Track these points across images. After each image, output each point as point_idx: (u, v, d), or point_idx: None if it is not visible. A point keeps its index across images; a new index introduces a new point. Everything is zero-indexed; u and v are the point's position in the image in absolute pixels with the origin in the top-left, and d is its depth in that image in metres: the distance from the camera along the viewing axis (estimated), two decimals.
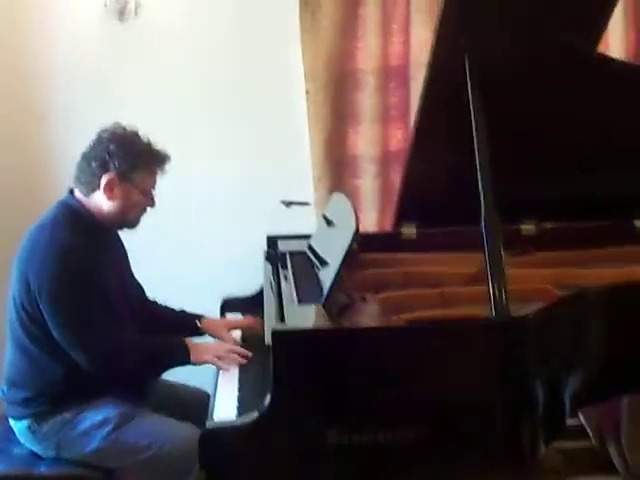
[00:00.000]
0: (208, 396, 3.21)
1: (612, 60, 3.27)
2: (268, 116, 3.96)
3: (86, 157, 3.06)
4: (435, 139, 3.18)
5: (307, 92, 3.83)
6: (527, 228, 3.66)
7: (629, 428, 4.04)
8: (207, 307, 3.51)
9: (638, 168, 3.46)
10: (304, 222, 3.84)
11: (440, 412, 2.47)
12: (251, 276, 3.72)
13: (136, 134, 3.10)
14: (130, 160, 3.02)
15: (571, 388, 2.72)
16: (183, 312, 3.43)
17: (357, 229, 2.76)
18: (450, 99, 2.94)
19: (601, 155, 3.37)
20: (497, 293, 2.55)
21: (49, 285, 2.90)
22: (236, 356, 3.06)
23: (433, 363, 2.48)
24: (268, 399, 2.40)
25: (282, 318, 2.74)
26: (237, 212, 4.00)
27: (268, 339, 2.52)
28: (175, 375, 3.31)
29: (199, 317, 3.40)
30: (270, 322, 2.79)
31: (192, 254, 4.01)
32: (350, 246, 2.75)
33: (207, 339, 3.33)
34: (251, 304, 3.61)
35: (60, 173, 3.81)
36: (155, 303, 3.43)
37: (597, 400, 3.15)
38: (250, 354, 3.07)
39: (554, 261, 3.41)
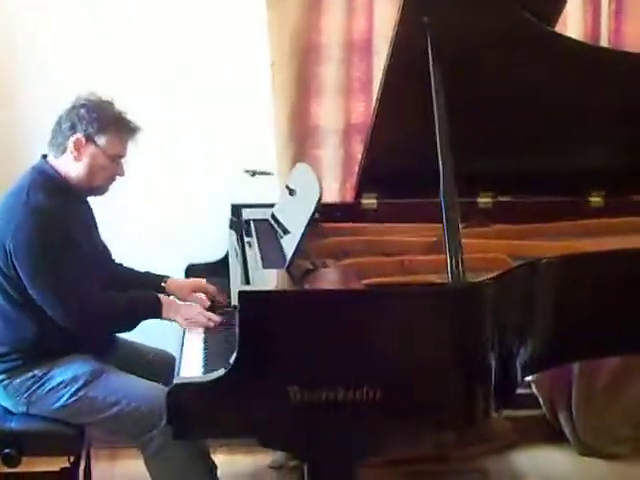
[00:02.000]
0: (171, 357, 3.35)
1: (568, 39, 3.38)
2: (233, 87, 3.99)
3: (59, 120, 3.17)
4: (397, 113, 3.27)
5: (272, 64, 3.89)
6: (483, 201, 3.77)
7: (579, 398, 4.18)
8: (172, 273, 3.59)
9: (592, 146, 3.58)
10: (267, 191, 3.93)
11: (396, 373, 2.59)
12: (215, 243, 3.81)
13: (110, 103, 3.20)
14: (97, 123, 3.12)
15: (523, 355, 2.85)
16: (148, 273, 3.53)
17: (320, 198, 2.87)
18: (412, 74, 3.04)
19: (557, 132, 3.48)
20: (453, 261, 2.66)
21: (25, 245, 3.00)
22: (204, 320, 3.16)
23: (390, 327, 2.58)
24: (234, 357, 2.50)
25: (248, 282, 2.84)
26: (202, 181, 4.06)
27: (235, 300, 2.63)
28: (138, 336, 3.41)
29: (164, 278, 3.50)
30: (236, 285, 2.88)
31: (158, 221, 4.06)
32: (313, 214, 2.85)
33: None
34: (215, 269, 3.71)
35: (27, 146, 3.89)
36: (121, 265, 3.53)
37: (546, 367, 3.28)
38: (218, 319, 3.18)
39: (509, 233, 3.53)
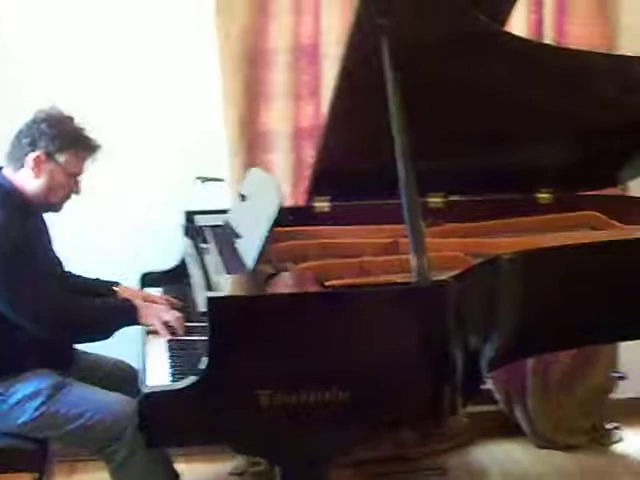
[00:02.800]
0: (129, 366, 3.36)
1: (519, 38, 3.41)
2: (183, 94, 4.00)
3: (19, 134, 3.14)
4: (350, 115, 3.28)
5: (221, 70, 3.89)
6: (434, 201, 3.80)
7: (535, 391, 4.24)
8: (126, 282, 3.59)
9: (540, 143, 3.64)
10: (219, 198, 3.92)
11: (364, 374, 2.62)
12: (169, 250, 3.80)
13: (71, 118, 3.18)
14: (58, 140, 3.09)
15: (487, 351, 2.89)
16: (98, 280, 3.52)
17: (281, 203, 2.88)
18: (367, 77, 3.05)
19: (506, 131, 3.52)
20: (419, 260, 2.68)
21: None
22: (180, 324, 3.13)
23: (359, 327, 2.62)
24: (205, 363, 2.51)
25: (210, 288, 2.84)
26: (154, 188, 4.05)
27: (202, 307, 2.64)
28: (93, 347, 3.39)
29: (115, 283, 3.50)
30: (201, 292, 2.88)
31: (109, 230, 4.04)
32: (275, 219, 2.86)
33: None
34: (170, 277, 3.71)
35: None
36: (70, 273, 3.49)
37: (510, 361, 3.32)
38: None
39: (462, 232, 3.57)
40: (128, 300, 3.25)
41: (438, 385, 2.68)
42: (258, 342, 2.55)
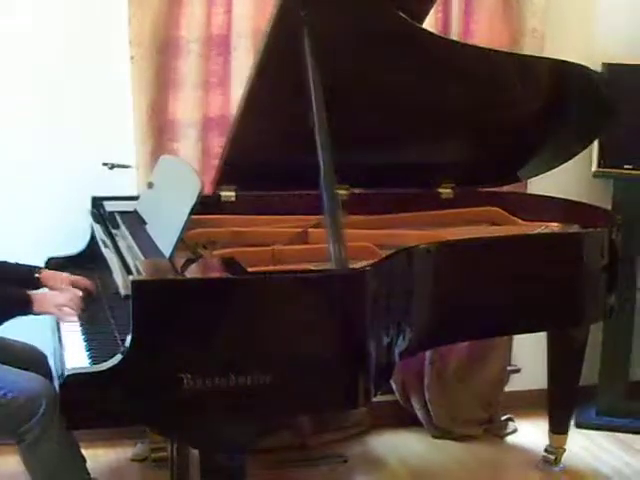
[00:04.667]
0: (37, 350, 3.36)
1: (436, 37, 3.53)
2: (92, 80, 3.97)
3: None
4: (263, 106, 3.32)
5: (132, 58, 3.88)
6: (340, 193, 3.85)
7: (431, 382, 4.33)
8: None
9: (443, 140, 3.74)
10: (125, 184, 3.92)
11: (283, 359, 2.68)
12: (75, 236, 3.79)
13: None
14: None
15: (400, 339, 2.97)
16: (19, 264, 3.49)
17: (202, 189, 2.91)
18: (283, 69, 3.12)
19: (411, 127, 3.63)
20: (337, 248, 2.75)
21: None
22: (76, 305, 3.15)
23: (278, 313, 2.68)
24: (128, 344, 2.54)
25: (129, 272, 2.85)
26: (60, 174, 4.01)
27: (124, 290, 2.66)
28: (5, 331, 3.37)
29: (38, 269, 3.46)
30: (120, 275, 2.89)
31: (14, 217, 4.00)
32: (195, 205, 2.88)
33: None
34: (75, 262, 3.69)
35: None
36: None
37: (421, 350, 3.42)
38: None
39: (366, 224, 3.65)
40: (25, 292, 3.21)
41: (354, 373, 2.76)
42: (180, 326, 2.58)
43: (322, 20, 2.99)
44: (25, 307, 3.13)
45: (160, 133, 4.01)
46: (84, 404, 2.56)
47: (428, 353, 4.30)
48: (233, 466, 2.68)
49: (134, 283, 2.56)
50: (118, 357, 2.54)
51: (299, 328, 2.68)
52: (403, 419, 4.47)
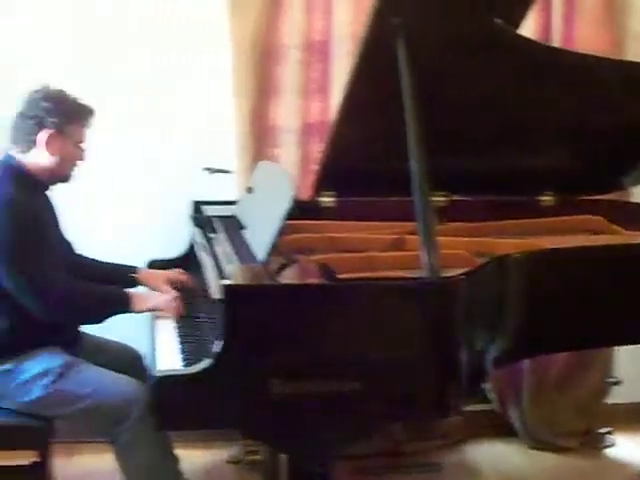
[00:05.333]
0: (134, 351, 3.45)
1: (534, 43, 3.46)
2: (194, 86, 4.04)
3: (21, 116, 3.20)
4: (360, 112, 3.32)
5: (233, 64, 3.93)
6: (437, 200, 3.83)
7: (530, 392, 4.28)
8: None
9: (545, 147, 3.69)
10: (225, 189, 3.97)
11: (374, 366, 2.66)
12: (175, 240, 3.84)
13: (63, 91, 3.24)
14: (63, 114, 3.17)
15: (492, 349, 2.94)
16: (116, 264, 3.58)
17: (295, 195, 2.92)
18: (379, 75, 3.11)
19: (513, 134, 3.58)
20: (430, 256, 2.73)
21: (0, 236, 3.02)
22: (177, 306, 3.22)
23: (370, 320, 2.67)
24: (219, 348, 2.56)
25: (222, 277, 2.88)
26: (161, 178, 4.08)
27: (216, 294, 2.68)
28: (103, 331, 3.45)
29: (134, 268, 3.55)
30: (214, 279, 2.92)
31: (117, 219, 4.08)
32: (288, 211, 2.90)
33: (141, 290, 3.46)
34: (176, 265, 3.73)
35: None
36: (83, 256, 3.57)
37: (514, 361, 3.38)
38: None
39: (465, 231, 3.60)
40: (125, 290, 3.30)
41: (445, 381, 2.74)
42: (271, 331, 2.60)
43: (416, 27, 2.98)
44: (125, 305, 3.21)
45: (261, 139, 4.06)
46: (173, 406, 2.59)
47: (526, 362, 4.25)
48: (320, 472, 2.68)
49: (225, 287, 2.58)
50: (208, 361, 2.56)
51: (387, 335, 2.67)
52: (500, 429, 4.42)
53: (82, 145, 3.27)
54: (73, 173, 3.30)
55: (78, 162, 3.29)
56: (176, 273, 3.52)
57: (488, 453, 4.28)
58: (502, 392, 4.35)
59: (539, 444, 4.32)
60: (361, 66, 3.19)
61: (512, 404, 4.35)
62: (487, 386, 4.33)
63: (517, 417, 4.34)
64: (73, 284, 3.20)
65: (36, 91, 3.22)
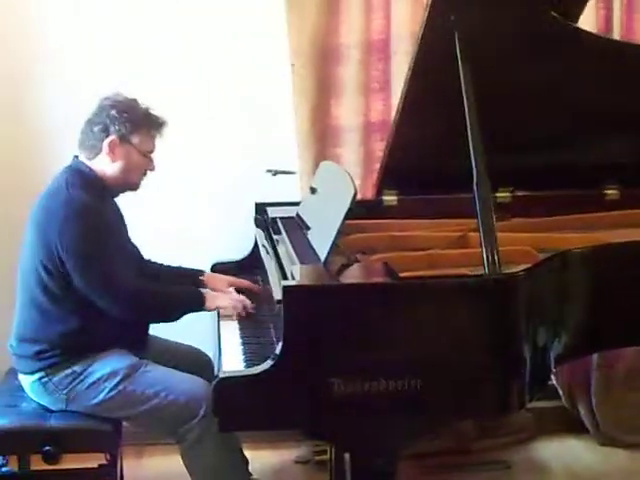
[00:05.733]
0: (202, 353, 3.46)
1: (593, 36, 3.44)
2: (255, 88, 4.06)
3: (89, 123, 3.25)
4: (421, 110, 3.33)
5: (292, 65, 3.94)
6: (502, 196, 3.82)
7: (599, 388, 4.23)
8: None
9: (609, 141, 3.65)
10: (288, 190, 3.98)
11: (435, 364, 2.66)
12: (239, 241, 3.87)
13: (135, 100, 3.29)
14: (129, 123, 3.21)
15: (556, 345, 2.91)
16: (182, 268, 3.62)
17: (355, 194, 2.93)
18: (437, 72, 3.12)
19: (576, 128, 3.54)
20: (490, 253, 2.72)
21: (74, 239, 3.08)
22: (245, 306, 3.26)
23: (430, 318, 2.67)
24: (279, 349, 2.57)
25: (285, 277, 2.90)
26: (225, 180, 4.11)
27: (277, 295, 2.70)
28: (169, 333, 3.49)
29: (201, 272, 3.58)
30: (275, 280, 2.94)
31: (181, 221, 4.12)
32: (349, 211, 2.90)
33: None
34: (240, 267, 3.78)
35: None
36: (150, 261, 3.61)
37: (578, 356, 3.34)
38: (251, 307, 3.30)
39: (529, 227, 3.58)
40: (197, 288, 3.36)
41: (507, 378, 2.73)
42: (331, 330, 2.61)
43: (472, 23, 2.98)
44: (198, 303, 3.25)
45: (322, 139, 4.07)
46: (234, 407, 2.61)
47: (594, 357, 4.21)
48: (383, 471, 2.68)
49: (285, 288, 2.59)
50: (269, 362, 2.58)
51: (450, 333, 2.67)
52: (569, 425, 4.38)
53: (150, 155, 3.30)
54: (140, 181, 3.33)
55: (147, 171, 3.32)
56: (237, 279, 3.56)
57: (558, 450, 4.25)
58: (571, 388, 4.32)
59: (609, 441, 4.27)
60: (419, 64, 3.20)
61: (581, 400, 4.30)
62: (555, 382, 4.30)
63: (586, 413, 4.29)
64: (144, 282, 3.29)
65: (106, 98, 3.27)
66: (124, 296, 3.13)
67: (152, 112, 3.29)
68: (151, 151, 3.30)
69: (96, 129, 3.22)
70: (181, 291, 3.36)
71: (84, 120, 3.28)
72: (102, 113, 3.23)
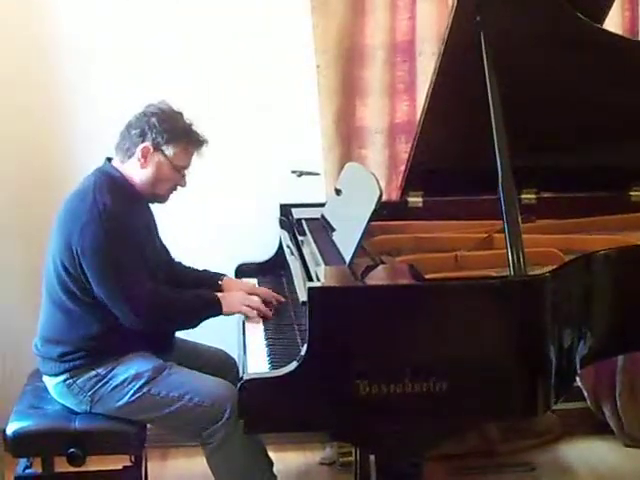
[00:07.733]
0: (227, 355, 3.46)
1: (618, 37, 3.43)
2: (280, 89, 4.07)
3: (128, 126, 3.25)
4: (446, 112, 3.33)
5: (318, 66, 3.95)
6: (527, 197, 3.81)
7: (624, 389, 4.21)
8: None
9: (635, 142, 3.63)
10: (313, 191, 3.99)
11: (461, 366, 2.66)
12: (264, 242, 3.88)
13: (180, 114, 3.28)
14: (167, 134, 3.20)
15: (581, 347, 2.91)
16: (206, 271, 3.62)
17: (381, 196, 2.93)
18: (463, 73, 3.12)
19: (601, 129, 3.53)
20: (515, 254, 2.72)
21: (93, 245, 3.07)
22: (263, 308, 3.25)
23: (455, 320, 2.67)
24: (304, 351, 2.58)
25: (310, 279, 2.90)
26: (250, 182, 4.12)
27: (302, 296, 2.70)
28: (195, 335, 3.49)
29: (222, 276, 3.58)
30: (300, 282, 2.95)
31: (207, 222, 4.14)
32: (374, 212, 2.90)
33: None
34: (265, 268, 3.79)
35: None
36: (180, 264, 3.61)
37: (603, 358, 3.33)
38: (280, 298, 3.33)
39: (554, 228, 3.58)
40: (214, 294, 3.32)
41: (533, 380, 2.72)
42: (356, 332, 2.61)
43: (498, 24, 2.98)
44: (215, 308, 3.24)
45: (347, 140, 4.07)
46: (260, 409, 2.61)
47: (620, 359, 4.19)
48: (409, 473, 2.68)
49: (310, 290, 2.59)
50: (294, 364, 2.59)
51: (476, 334, 2.66)
52: (595, 427, 4.37)
53: (183, 170, 3.29)
54: (169, 195, 3.33)
55: (177, 186, 3.31)
56: (255, 287, 3.54)
57: (583, 451, 4.23)
58: (596, 390, 4.30)
59: (635, 442, 4.25)
60: (444, 65, 3.21)
61: (606, 402, 4.29)
62: (580, 384, 4.28)
63: (612, 415, 4.27)
64: (163, 292, 3.22)
65: (150, 105, 3.27)
66: (139, 310, 3.11)
67: (194, 129, 3.27)
68: (185, 167, 3.29)
69: (133, 133, 3.21)
70: (198, 299, 3.30)
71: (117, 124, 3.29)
72: (143, 119, 3.23)
